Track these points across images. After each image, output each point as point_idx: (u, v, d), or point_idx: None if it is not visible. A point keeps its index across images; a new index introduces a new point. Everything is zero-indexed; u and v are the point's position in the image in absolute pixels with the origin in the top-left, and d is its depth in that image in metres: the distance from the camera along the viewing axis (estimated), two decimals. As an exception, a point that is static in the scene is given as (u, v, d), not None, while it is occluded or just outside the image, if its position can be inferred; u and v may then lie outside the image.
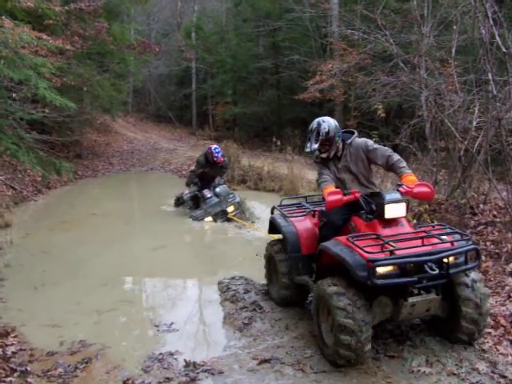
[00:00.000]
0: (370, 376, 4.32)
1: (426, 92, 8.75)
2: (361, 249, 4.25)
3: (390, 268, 4.19)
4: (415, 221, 7.72)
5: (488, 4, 7.20)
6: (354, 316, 4.19)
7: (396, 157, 4.98)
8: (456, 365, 4.42)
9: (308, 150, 5.20)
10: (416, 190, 4.67)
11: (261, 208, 11.38)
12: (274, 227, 6.11)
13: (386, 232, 4.54)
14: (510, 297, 5.73)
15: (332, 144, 5.13)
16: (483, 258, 6.62)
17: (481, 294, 4.55)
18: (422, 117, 9.50)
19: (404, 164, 4.97)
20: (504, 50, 6.90)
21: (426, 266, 4.18)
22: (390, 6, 14.95)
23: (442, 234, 4.65)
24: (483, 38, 7.45)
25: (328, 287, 4.44)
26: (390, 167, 5.03)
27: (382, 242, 4.33)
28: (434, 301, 4.45)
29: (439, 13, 10.41)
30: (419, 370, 4.34)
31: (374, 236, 4.50)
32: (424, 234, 4.57)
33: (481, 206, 7.90)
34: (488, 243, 6.95)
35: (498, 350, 4.66)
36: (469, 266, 4.47)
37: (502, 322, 5.17)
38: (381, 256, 4.17)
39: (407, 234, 4.56)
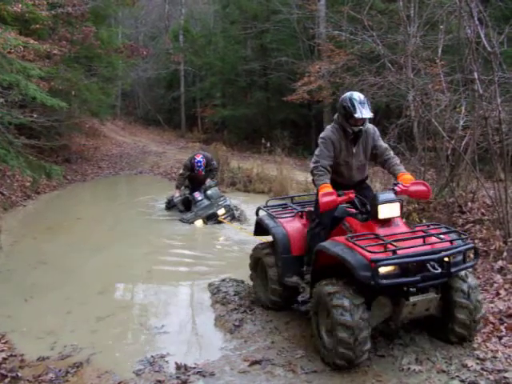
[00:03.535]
0: (360, 375, 4.34)
1: (412, 92, 8.80)
2: (363, 248, 4.23)
3: (391, 268, 4.20)
4: (404, 220, 7.75)
5: (473, 4, 7.25)
6: (352, 313, 4.19)
7: (392, 153, 5.03)
8: (445, 362, 4.45)
9: (366, 115, 4.80)
10: (412, 188, 4.71)
11: (250, 210, 11.38)
12: (261, 229, 6.05)
13: (383, 232, 4.53)
14: (498, 294, 5.79)
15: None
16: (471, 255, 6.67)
17: (476, 301, 4.58)
18: (409, 117, 9.55)
19: (399, 161, 5.02)
20: (489, 49, 6.95)
21: (428, 265, 4.21)
22: (376, 7, 15.03)
23: (440, 234, 4.66)
24: (469, 37, 7.51)
25: (326, 287, 4.44)
26: (385, 161, 5.04)
27: (383, 242, 4.31)
28: (434, 300, 4.48)
29: (425, 13, 10.48)
30: (409, 368, 4.37)
31: (373, 236, 4.49)
32: (423, 233, 4.58)
33: (469, 204, 7.94)
34: (476, 241, 7.00)
35: (487, 347, 4.70)
36: (468, 265, 4.52)
37: (491, 318, 5.22)
38: (383, 256, 4.17)
39: (406, 233, 4.56)
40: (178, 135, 29.57)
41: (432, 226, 5.00)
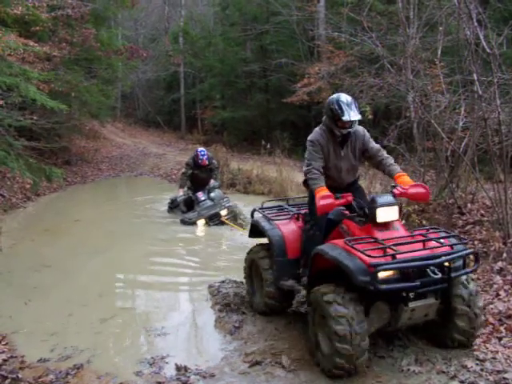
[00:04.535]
0: (360, 376, 4.32)
1: (412, 93, 8.80)
2: (362, 253, 4.12)
3: (390, 273, 4.10)
4: (403, 221, 7.76)
5: (472, 5, 7.26)
6: (350, 324, 4.08)
7: (385, 153, 4.98)
8: (445, 363, 4.44)
9: (354, 118, 4.75)
10: (411, 191, 4.61)
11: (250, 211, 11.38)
12: (256, 231, 5.94)
13: (381, 236, 4.42)
14: (498, 295, 5.79)
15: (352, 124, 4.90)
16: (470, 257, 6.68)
17: (476, 308, 4.54)
18: (409, 118, 9.56)
19: (393, 161, 4.95)
20: (489, 50, 6.95)
21: (428, 270, 4.16)
22: (375, 9, 15.05)
23: (439, 238, 4.57)
24: (468, 39, 7.51)
25: (324, 295, 4.30)
26: (380, 163, 4.96)
27: (383, 246, 4.22)
28: (433, 305, 4.41)
29: (424, 14, 10.48)
30: (409, 369, 4.36)
31: (372, 240, 4.39)
32: (422, 238, 4.51)
33: (468, 205, 7.95)
34: (476, 242, 7.00)
35: (486, 348, 4.70)
36: (468, 270, 4.47)
37: (491, 319, 5.22)
38: (383, 260, 4.08)
39: (405, 237, 4.47)
40: (177, 137, 29.58)
41: (431, 230, 4.86)
